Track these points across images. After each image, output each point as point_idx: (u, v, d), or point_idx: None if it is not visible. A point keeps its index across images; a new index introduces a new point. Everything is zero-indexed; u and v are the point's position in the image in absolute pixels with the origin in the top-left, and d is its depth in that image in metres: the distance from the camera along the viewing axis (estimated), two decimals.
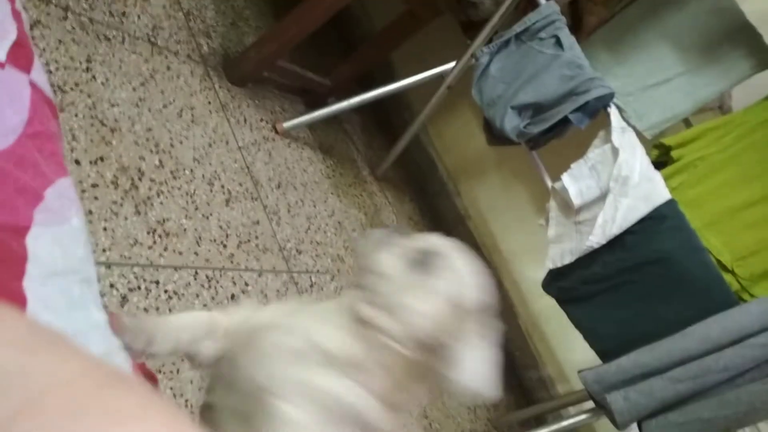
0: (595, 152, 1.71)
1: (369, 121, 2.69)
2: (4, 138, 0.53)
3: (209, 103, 1.88)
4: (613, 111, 1.73)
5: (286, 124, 2.10)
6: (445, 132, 2.79)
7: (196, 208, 1.60)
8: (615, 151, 1.66)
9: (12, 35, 0.60)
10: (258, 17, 2.36)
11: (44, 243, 0.52)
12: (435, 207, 2.79)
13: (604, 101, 1.73)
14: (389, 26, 2.30)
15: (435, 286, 0.68)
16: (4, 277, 0.48)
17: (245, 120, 1.99)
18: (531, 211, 2.50)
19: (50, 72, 1.44)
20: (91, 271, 0.56)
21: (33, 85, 0.60)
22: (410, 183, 2.76)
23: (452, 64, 2.08)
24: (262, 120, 2.07)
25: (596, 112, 1.75)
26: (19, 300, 0.48)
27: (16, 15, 0.62)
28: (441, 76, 2.12)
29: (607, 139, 1.71)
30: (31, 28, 1.46)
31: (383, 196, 2.52)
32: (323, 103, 2.39)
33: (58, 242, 0.53)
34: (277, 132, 2.09)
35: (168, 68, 1.79)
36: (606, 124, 1.76)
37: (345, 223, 2.18)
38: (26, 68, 0.60)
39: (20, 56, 0.60)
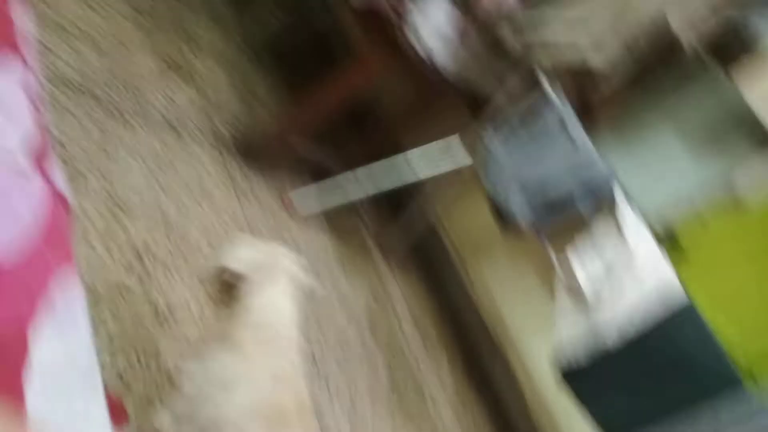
0: (602, 238, 1.72)
1: (381, 205, 2.72)
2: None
3: (224, 184, 1.92)
4: (619, 198, 1.75)
5: (294, 198, 2.12)
6: (454, 214, 2.81)
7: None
8: (622, 239, 1.67)
9: (31, 134, 0.62)
10: (273, 97, 2.43)
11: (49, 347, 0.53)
12: (443, 284, 2.79)
13: (611, 188, 1.75)
14: (401, 112, 2.37)
15: None
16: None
17: (256, 198, 2.02)
18: (538, 289, 2.49)
19: (76, 159, 1.48)
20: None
21: (48, 183, 0.62)
22: (419, 261, 2.77)
23: (455, 139, 2.10)
24: (272, 197, 2.10)
25: (603, 198, 1.76)
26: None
27: (36, 115, 0.64)
28: (447, 148, 2.14)
29: (614, 225, 1.73)
30: (61, 115, 1.52)
31: (393, 279, 2.52)
32: (332, 178, 2.44)
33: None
34: (284, 205, 2.11)
35: (188, 153, 1.84)
36: (612, 210, 1.77)
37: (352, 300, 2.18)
38: (43, 168, 0.62)
39: (40, 157, 0.61)
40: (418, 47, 1.89)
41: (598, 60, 1.92)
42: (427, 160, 2.08)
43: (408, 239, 2.56)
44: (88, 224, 1.37)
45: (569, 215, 1.76)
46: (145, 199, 1.57)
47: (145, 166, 1.65)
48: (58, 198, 0.62)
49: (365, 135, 2.46)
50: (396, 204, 2.81)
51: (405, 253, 2.68)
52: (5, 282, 0.51)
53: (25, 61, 0.64)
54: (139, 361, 1.31)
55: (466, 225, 2.76)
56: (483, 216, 2.55)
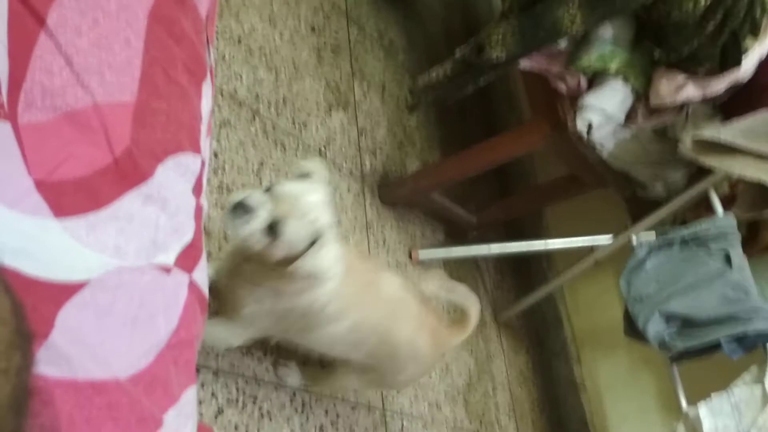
0: (743, 389, 1.54)
1: (505, 261, 2.63)
2: (145, 357, 0.55)
3: (356, 218, 1.92)
4: None
5: (422, 254, 2.09)
6: (580, 293, 2.66)
7: None
8: (766, 398, 1.48)
9: (188, 236, 0.63)
10: (425, 142, 2.42)
11: None
12: (550, 366, 2.65)
13: (765, 337, 1.56)
14: (550, 182, 2.27)
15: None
16: None
17: (384, 241, 2.02)
18: (653, 409, 2.29)
19: (224, 171, 1.54)
20: None
21: (192, 286, 0.62)
22: (531, 335, 2.64)
23: (605, 237, 2.00)
24: (400, 243, 2.08)
25: (754, 345, 1.58)
26: None
27: (198, 212, 0.65)
28: (591, 248, 2.05)
29: (759, 379, 1.54)
30: (220, 127, 1.59)
31: (499, 342, 2.42)
32: (464, 238, 2.39)
33: None
34: (411, 258, 2.09)
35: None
36: (761, 360, 1.59)
37: (452, 367, 2.11)
38: (191, 268, 0.63)
39: (189, 257, 0.63)
40: (581, 126, 1.79)
41: None
42: (568, 252, 1.99)
43: (525, 309, 2.45)
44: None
45: (709, 352, 1.60)
46: None
47: None
48: (195, 295, 0.62)
49: (509, 200, 2.38)
50: (521, 270, 2.71)
51: (518, 322, 2.58)
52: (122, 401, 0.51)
53: (202, 158, 0.65)
54: (237, 390, 1.33)
55: (591, 312, 2.61)
56: (611, 312, 2.40)
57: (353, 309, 1.18)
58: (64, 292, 0.55)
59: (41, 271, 0.54)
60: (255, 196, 0.88)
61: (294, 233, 0.90)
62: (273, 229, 0.88)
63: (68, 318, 0.55)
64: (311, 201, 0.94)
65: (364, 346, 1.27)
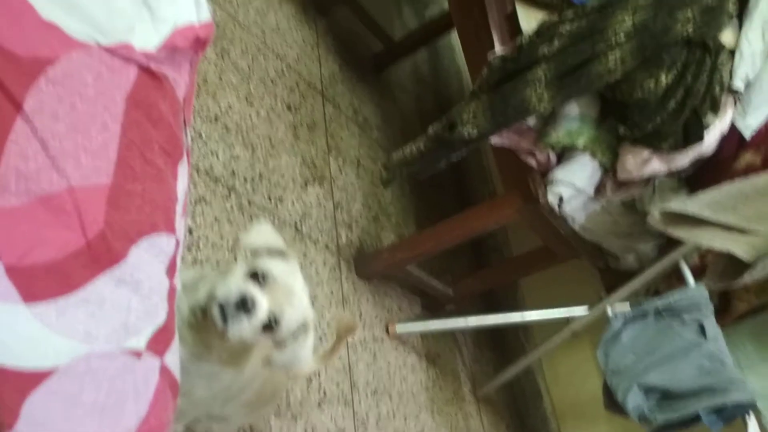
0: None
1: (483, 334, 2.62)
2: None
3: (332, 293, 1.91)
4: (751, 422, 1.56)
5: (399, 328, 2.08)
6: (559, 364, 2.65)
7: (288, 406, 1.58)
8: None
9: (160, 318, 0.62)
10: (400, 216, 2.44)
11: None
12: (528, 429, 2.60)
13: (743, 408, 1.56)
14: (525, 255, 2.29)
15: None
16: None
17: (361, 316, 2.00)
18: None
19: (198, 247, 1.53)
20: None
21: (163, 370, 0.61)
22: (511, 410, 2.60)
23: (581, 308, 2.01)
24: (377, 317, 2.07)
25: (733, 417, 1.58)
26: None
27: (171, 294, 0.65)
28: (567, 320, 2.05)
29: None
30: (195, 203, 1.59)
31: (479, 419, 2.38)
32: (441, 310, 2.38)
33: None
34: (388, 333, 2.07)
35: (305, 255, 1.86)
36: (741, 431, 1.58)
37: None
38: (162, 351, 0.62)
39: (161, 341, 0.62)
40: (552, 199, 1.83)
41: (743, 248, 1.76)
42: (545, 324, 1.99)
43: (504, 381, 2.42)
44: None
45: (689, 424, 1.58)
46: None
47: None
48: (167, 380, 0.61)
49: (484, 272, 2.40)
50: (498, 342, 2.69)
51: (497, 397, 2.54)
52: None
53: (176, 239, 0.65)
54: None
55: (570, 383, 2.59)
56: (591, 382, 2.39)
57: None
58: (31, 380, 0.54)
59: (8, 359, 0.52)
60: (253, 292, 0.85)
61: (289, 323, 0.89)
62: (270, 321, 0.86)
63: (34, 408, 0.53)
64: (300, 287, 0.93)
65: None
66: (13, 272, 0.52)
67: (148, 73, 0.67)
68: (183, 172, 0.72)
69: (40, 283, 0.53)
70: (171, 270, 0.64)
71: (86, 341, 0.55)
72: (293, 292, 0.90)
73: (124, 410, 0.56)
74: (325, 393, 1.70)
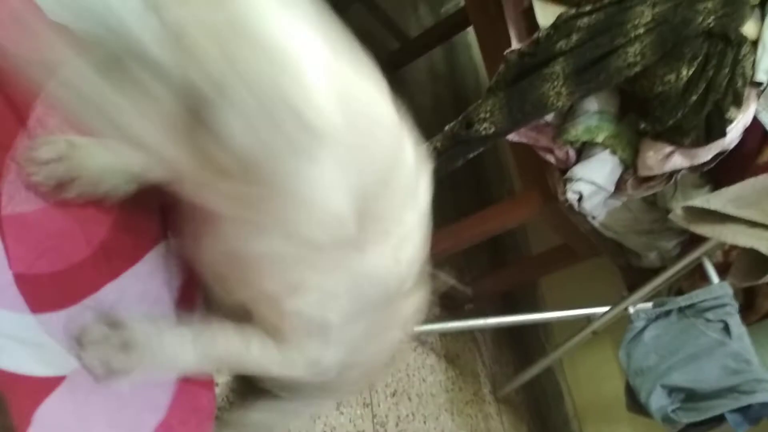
0: None
1: (502, 334, 2.60)
2: None
3: None
4: None
5: (417, 329, 2.06)
6: (580, 364, 2.61)
7: None
8: None
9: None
10: None
11: None
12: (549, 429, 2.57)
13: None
14: (544, 253, 2.27)
15: None
16: None
17: None
18: None
19: None
20: None
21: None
22: (531, 411, 2.57)
23: (602, 309, 1.98)
24: None
25: (759, 417, 1.54)
26: None
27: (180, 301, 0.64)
28: (588, 318, 2.02)
29: None
30: None
31: (499, 420, 2.36)
32: (460, 310, 2.35)
33: None
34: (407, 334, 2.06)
35: None
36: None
37: None
38: None
39: None
40: (571, 197, 1.80)
41: None
42: (565, 323, 1.96)
43: (524, 382, 2.40)
44: None
45: (715, 425, 1.55)
46: None
47: None
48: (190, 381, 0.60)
49: (503, 271, 2.37)
50: (518, 342, 2.67)
51: (518, 398, 2.51)
52: None
53: None
54: None
55: (592, 383, 2.56)
56: (613, 383, 2.36)
57: None
58: (44, 387, 0.53)
59: (21, 366, 0.52)
60: None
61: None
62: None
63: (46, 414, 0.53)
64: None
65: None
66: (21, 281, 0.51)
67: None
68: None
69: (47, 291, 0.53)
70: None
71: None
72: None
73: (140, 417, 0.55)
74: None
